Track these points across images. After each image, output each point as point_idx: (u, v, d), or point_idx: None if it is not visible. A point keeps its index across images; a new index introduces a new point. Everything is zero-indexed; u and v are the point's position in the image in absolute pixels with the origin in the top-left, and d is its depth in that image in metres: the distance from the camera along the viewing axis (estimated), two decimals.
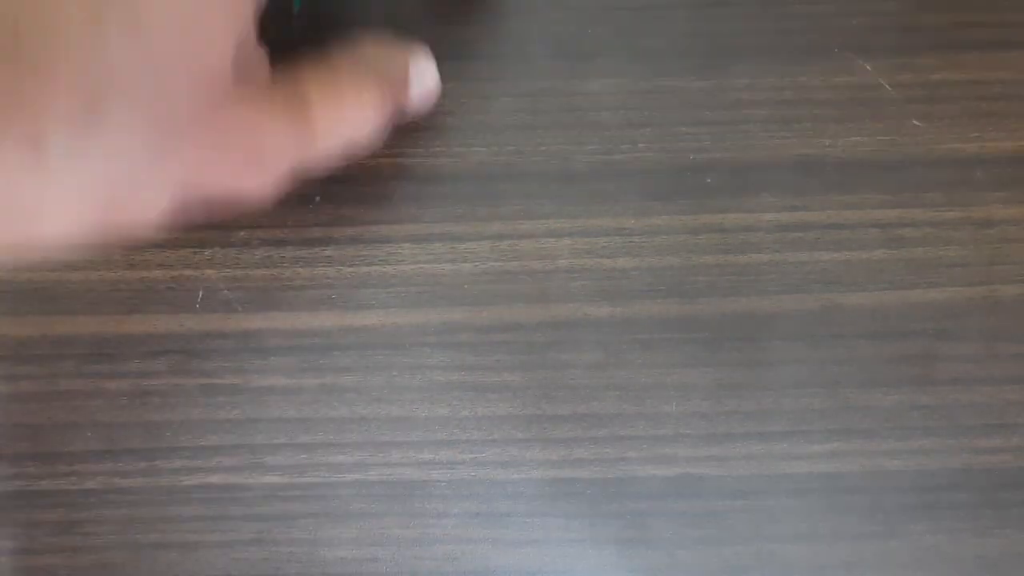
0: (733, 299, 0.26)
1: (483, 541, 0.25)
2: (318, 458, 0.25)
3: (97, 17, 0.16)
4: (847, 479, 0.25)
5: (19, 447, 0.25)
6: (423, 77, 0.24)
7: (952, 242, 0.26)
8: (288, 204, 0.27)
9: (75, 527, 0.25)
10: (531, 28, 0.28)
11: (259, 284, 0.26)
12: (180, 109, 0.17)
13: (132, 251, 0.26)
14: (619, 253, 0.26)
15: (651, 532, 0.25)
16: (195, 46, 0.17)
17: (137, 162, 0.17)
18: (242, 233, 0.26)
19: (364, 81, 0.21)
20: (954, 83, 0.27)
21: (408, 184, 0.26)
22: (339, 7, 0.27)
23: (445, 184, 0.27)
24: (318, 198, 0.27)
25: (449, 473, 0.25)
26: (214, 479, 0.25)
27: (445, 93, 0.27)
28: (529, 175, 0.27)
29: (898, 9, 0.28)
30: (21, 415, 0.25)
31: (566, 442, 0.25)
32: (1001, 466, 0.25)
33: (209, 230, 0.26)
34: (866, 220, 0.27)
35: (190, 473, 0.25)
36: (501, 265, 0.26)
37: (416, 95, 0.24)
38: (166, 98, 0.17)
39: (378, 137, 0.22)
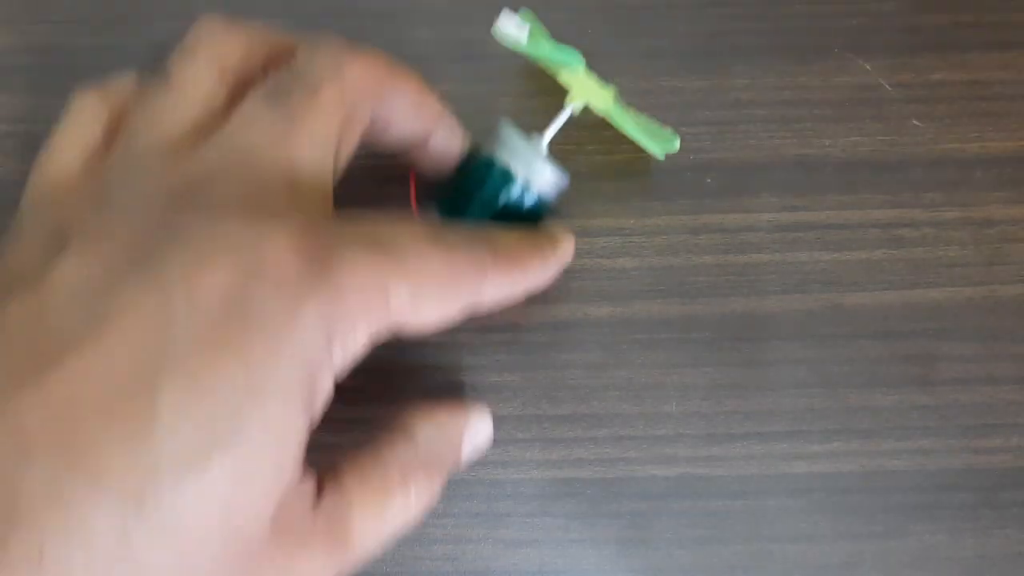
0: (733, 299, 0.26)
1: (483, 541, 0.25)
2: (318, 458, 0.25)
3: (125, 527, 0.15)
4: (847, 479, 0.25)
5: None
6: (477, 439, 0.22)
7: (952, 242, 0.26)
8: None
9: None
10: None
11: None
12: None
13: None
14: (619, 253, 0.26)
15: (651, 532, 0.25)
16: (231, 525, 0.16)
17: None
18: None
19: (413, 477, 0.20)
20: (954, 83, 0.27)
21: (408, 184, 0.26)
22: None
23: None
24: None
25: None
26: None
27: (445, 93, 0.27)
28: None
29: (898, 9, 0.28)
30: None
31: (566, 442, 0.25)
32: (1001, 466, 0.25)
33: None
34: (866, 220, 0.27)
35: None
36: None
37: (468, 457, 0.22)
38: None
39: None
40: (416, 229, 0.19)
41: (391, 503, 0.20)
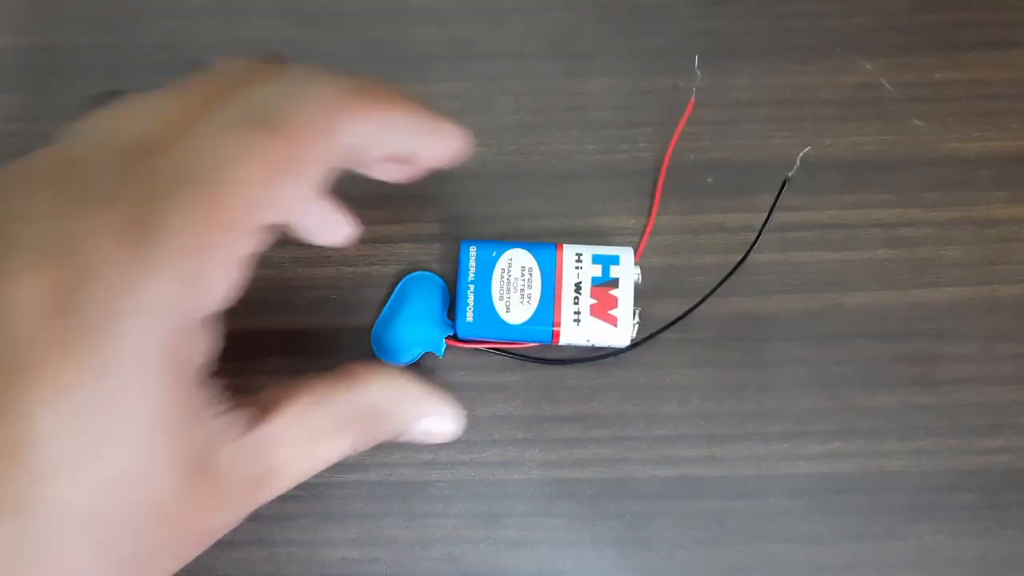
0: (733, 299, 0.26)
1: (483, 541, 0.25)
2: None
3: (20, 533, 0.15)
4: (847, 479, 0.25)
5: None
6: (437, 426, 0.21)
7: (953, 242, 0.26)
8: None
9: None
10: (531, 28, 0.28)
11: (259, 284, 0.26)
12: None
13: None
14: None
15: (651, 532, 0.25)
16: (127, 500, 0.16)
17: None
18: None
19: (352, 428, 0.20)
20: (955, 83, 0.27)
21: (408, 184, 0.26)
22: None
23: (446, 184, 0.27)
24: None
25: (449, 473, 0.25)
26: None
27: (445, 93, 0.27)
28: (529, 175, 0.27)
29: (898, 9, 0.28)
30: None
31: (566, 442, 0.25)
32: (1002, 466, 0.25)
33: None
34: (867, 220, 0.26)
35: None
36: None
37: (416, 436, 0.21)
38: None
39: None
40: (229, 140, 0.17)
41: (321, 448, 0.19)
